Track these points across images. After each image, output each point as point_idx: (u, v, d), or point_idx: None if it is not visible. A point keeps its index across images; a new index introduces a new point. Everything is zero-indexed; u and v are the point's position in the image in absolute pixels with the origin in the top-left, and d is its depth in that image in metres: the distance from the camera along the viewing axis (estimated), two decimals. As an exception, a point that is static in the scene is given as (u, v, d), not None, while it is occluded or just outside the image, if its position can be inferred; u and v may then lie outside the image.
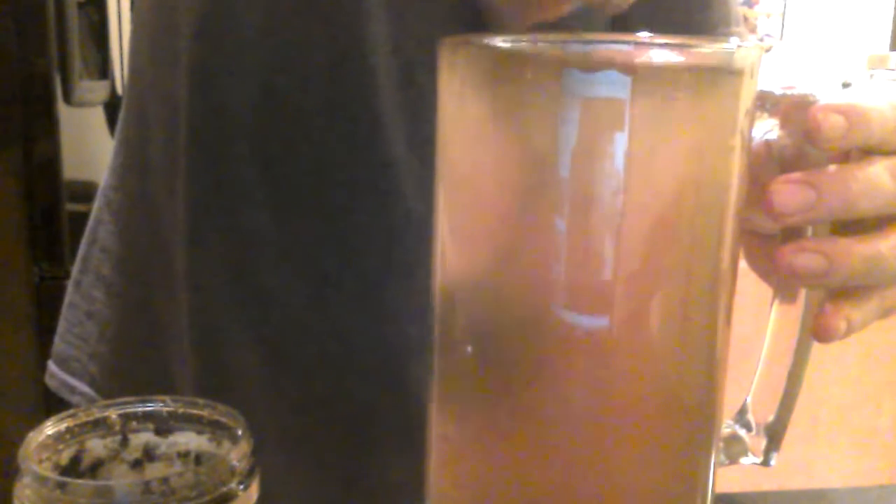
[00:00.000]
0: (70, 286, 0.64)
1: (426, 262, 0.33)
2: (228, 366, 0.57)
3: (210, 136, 0.54)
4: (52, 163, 1.42)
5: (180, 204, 0.55)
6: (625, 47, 0.29)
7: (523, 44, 0.29)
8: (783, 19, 2.67)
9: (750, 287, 0.37)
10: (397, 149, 0.53)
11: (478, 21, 0.53)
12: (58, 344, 0.64)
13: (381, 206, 0.54)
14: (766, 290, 0.35)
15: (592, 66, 0.28)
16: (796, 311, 0.34)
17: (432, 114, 0.32)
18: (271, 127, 0.54)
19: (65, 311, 0.64)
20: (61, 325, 0.64)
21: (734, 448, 0.36)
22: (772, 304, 0.34)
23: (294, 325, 0.57)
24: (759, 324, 0.34)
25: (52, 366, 0.63)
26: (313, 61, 0.52)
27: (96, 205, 0.63)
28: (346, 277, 0.56)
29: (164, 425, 0.33)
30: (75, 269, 0.64)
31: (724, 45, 0.30)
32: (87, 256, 0.63)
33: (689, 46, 0.30)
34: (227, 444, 0.32)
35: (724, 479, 0.34)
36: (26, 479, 0.28)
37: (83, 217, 0.65)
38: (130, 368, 0.61)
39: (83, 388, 0.61)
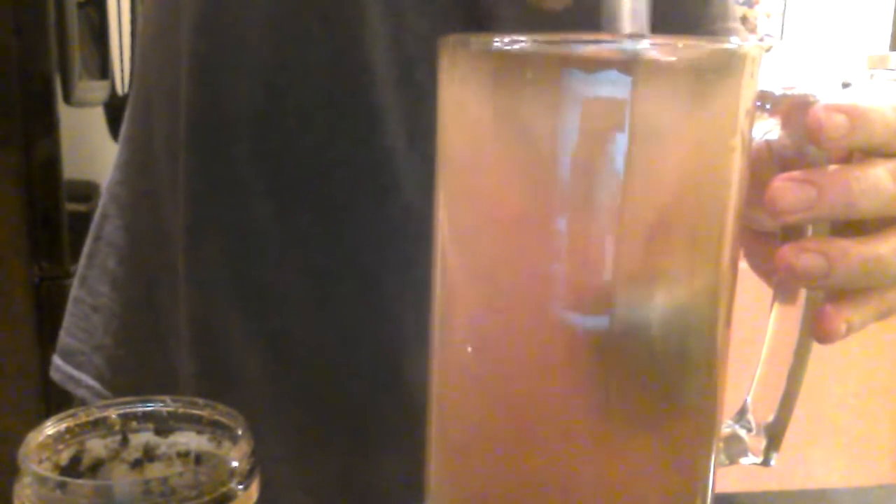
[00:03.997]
0: (75, 281, 0.65)
1: (425, 256, 0.33)
2: (228, 360, 0.57)
3: (210, 132, 0.55)
4: (52, 163, 1.42)
5: (181, 199, 0.56)
6: (625, 47, 0.29)
7: (523, 44, 0.29)
8: (783, 19, 2.67)
9: (750, 287, 0.37)
10: (397, 144, 0.53)
11: (476, 18, 0.53)
12: (62, 338, 0.64)
13: (379, 200, 0.54)
14: (766, 290, 0.35)
15: (592, 66, 0.28)
16: (796, 311, 0.34)
17: (432, 109, 0.32)
18: (271, 123, 0.54)
19: (70, 306, 0.65)
20: (66, 320, 0.65)
21: (734, 448, 0.35)
22: (772, 305, 0.34)
23: (293, 319, 0.57)
24: (759, 324, 0.34)
25: (56, 359, 0.64)
26: (312, 58, 0.53)
27: (102, 200, 0.64)
28: (345, 272, 0.56)
29: (164, 425, 0.33)
30: (81, 265, 0.64)
31: (725, 44, 0.30)
32: (92, 252, 0.64)
33: (689, 46, 0.30)
34: (227, 444, 0.32)
35: (724, 479, 0.34)
36: (26, 479, 0.28)
37: (83, 217, 0.66)
38: (135, 362, 0.61)
39: (88, 381, 0.62)
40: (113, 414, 0.33)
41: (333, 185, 0.55)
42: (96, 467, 0.32)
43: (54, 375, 0.64)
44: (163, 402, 0.33)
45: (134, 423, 0.33)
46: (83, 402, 0.62)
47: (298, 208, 0.55)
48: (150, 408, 0.33)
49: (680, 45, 0.29)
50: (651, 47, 0.29)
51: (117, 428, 0.33)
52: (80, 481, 0.28)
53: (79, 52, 1.44)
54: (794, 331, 0.34)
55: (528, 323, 0.30)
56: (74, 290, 0.65)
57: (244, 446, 0.30)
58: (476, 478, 0.33)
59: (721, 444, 0.35)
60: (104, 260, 0.63)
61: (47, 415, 0.31)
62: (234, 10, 0.53)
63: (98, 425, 0.32)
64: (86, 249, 0.65)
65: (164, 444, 0.33)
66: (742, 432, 0.36)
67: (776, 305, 0.34)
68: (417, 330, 0.35)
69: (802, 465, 1.70)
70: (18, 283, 1.42)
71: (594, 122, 0.28)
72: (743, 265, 0.34)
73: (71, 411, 0.32)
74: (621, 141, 0.28)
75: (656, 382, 0.31)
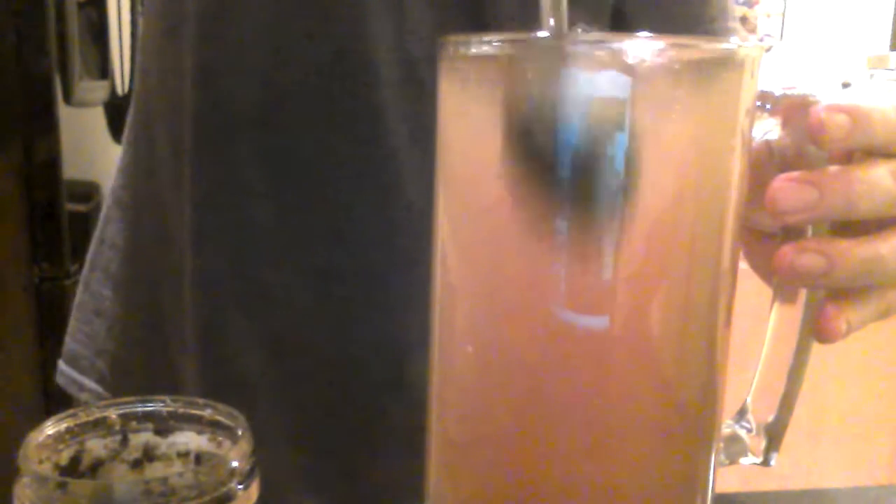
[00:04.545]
0: (80, 286, 0.65)
1: (427, 254, 0.33)
2: (233, 361, 0.58)
3: (214, 133, 0.55)
4: (52, 163, 1.41)
5: (186, 201, 0.56)
6: (625, 47, 0.29)
7: (523, 44, 0.29)
8: (783, 19, 2.67)
9: (750, 287, 0.37)
10: (399, 142, 0.53)
11: (479, 17, 0.53)
12: (67, 343, 0.65)
13: (382, 199, 0.55)
14: (766, 290, 0.35)
15: (592, 66, 0.28)
16: (796, 311, 0.34)
17: (434, 107, 0.32)
18: (274, 123, 0.54)
19: (74, 310, 0.65)
20: (71, 324, 0.65)
21: (734, 448, 0.35)
22: (772, 304, 0.34)
23: (297, 319, 0.57)
24: (759, 324, 0.34)
25: (61, 364, 0.64)
26: (314, 57, 0.53)
27: (106, 204, 0.64)
28: (348, 271, 0.56)
29: (164, 425, 0.33)
30: (85, 269, 0.65)
31: (725, 45, 0.30)
32: (95, 255, 0.64)
33: (690, 47, 0.30)
34: (227, 444, 0.32)
35: (724, 479, 0.34)
36: (26, 479, 0.28)
37: (83, 217, 0.66)
38: (137, 365, 0.62)
39: (91, 385, 0.62)
40: (113, 414, 0.33)
41: (336, 184, 0.55)
42: (96, 467, 0.32)
43: (59, 380, 0.64)
44: (163, 402, 0.33)
45: (134, 423, 0.33)
46: (85, 403, 0.62)
47: (300, 208, 0.55)
48: (150, 408, 0.33)
49: (680, 45, 0.29)
50: (651, 47, 0.29)
51: (117, 428, 0.33)
52: (80, 481, 0.28)
53: (79, 52, 1.44)
54: (794, 331, 0.34)
55: (528, 323, 0.30)
56: (78, 295, 0.65)
57: (244, 446, 0.30)
58: (476, 478, 0.33)
59: (721, 444, 0.35)
60: (107, 263, 0.63)
61: (47, 415, 0.31)
62: (236, 11, 0.53)
63: (98, 425, 0.32)
64: (89, 254, 0.65)
65: (164, 444, 0.33)
66: (742, 432, 0.36)
67: (776, 305, 0.34)
68: (420, 329, 0.35)
69: (802, 465, 1.70)
70: (18, 283, 1.42)
71: (594, 122, 0.28)
72: (743, 265, 0.34)
73: (71, 411, 0.32)
74: (621, 141, 0.28)
75: (656, 383, 0.31)
